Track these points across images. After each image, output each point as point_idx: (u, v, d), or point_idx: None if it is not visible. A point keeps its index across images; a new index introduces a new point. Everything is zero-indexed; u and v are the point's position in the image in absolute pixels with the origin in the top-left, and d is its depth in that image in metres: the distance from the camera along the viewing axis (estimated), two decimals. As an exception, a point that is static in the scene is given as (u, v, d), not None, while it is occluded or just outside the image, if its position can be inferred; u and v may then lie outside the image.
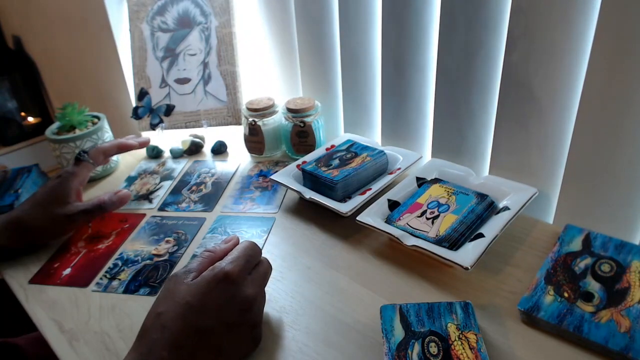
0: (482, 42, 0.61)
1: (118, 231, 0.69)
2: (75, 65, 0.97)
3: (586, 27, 0.51)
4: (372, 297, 0.52)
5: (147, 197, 0.77)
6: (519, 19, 0.56)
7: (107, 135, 0.84)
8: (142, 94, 0.92)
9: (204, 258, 0.46)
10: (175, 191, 0.77)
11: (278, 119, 0.83)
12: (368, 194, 0.65)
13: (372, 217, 0.61)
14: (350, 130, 0.85)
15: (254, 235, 0.64)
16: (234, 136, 0.90)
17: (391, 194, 0.65)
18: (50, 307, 0.56)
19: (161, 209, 0.73)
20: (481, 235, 0.55)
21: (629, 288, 0.47)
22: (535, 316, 0.46)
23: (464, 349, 0.42)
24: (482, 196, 0.61)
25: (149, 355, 0.40)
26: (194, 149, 0.89)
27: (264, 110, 0.81)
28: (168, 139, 0.91)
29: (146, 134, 0.94)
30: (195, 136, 0.91)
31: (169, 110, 0.90)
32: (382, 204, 0.64)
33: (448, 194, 0.63)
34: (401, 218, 0.60)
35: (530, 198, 0.60)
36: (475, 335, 0.44)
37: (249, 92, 0.92)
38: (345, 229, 0.64)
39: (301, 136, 0.80)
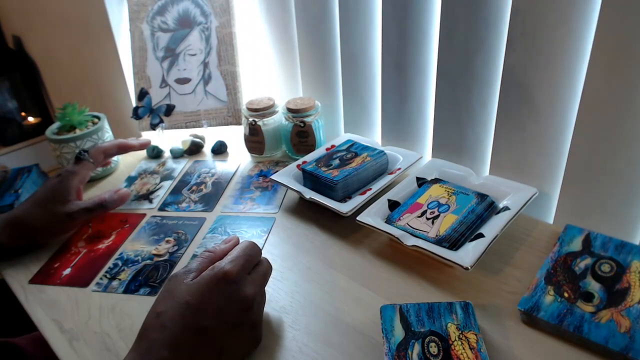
0: (482, 42, 0.61)
1: (118, 231, 0.69)
2: (76, 65, 0.97)
3: (586, 27, 0.52)
4: (372, 297, 0.52)
5: (147, 197, 0.77)
6: (519, 19, 0.56)
7: (107, 136, 0.84)
8: (142, 94, 0.92)
9: (204, 258, 0.46)
10: (176, 191, 0.77)
11: (278, 119, 0.83)
12: (368, 194, 0.65)
13: (372, 217, 0.61)
14: (351, 130, 0.85)
15: (254, 235, 0.64)
16: (234, 136, 0.90)
17: (391, 194, 0.65)
18: (50, 307, 0.56)
19: (161, 209, 0.73)
20: (481, 235, 0.55)
21: (629, 288, 0.47)
22: (536, 316, 0.46)
23: (464, 349, 0.42)
24: (482, 196, 0.61)
25: (149, 354, 0.40)
26: (194, 149, 0.89)
27: (264, 110, 0.81)
28: (168, 139, 0.91)
29: (146, 134, 0.94)
30: (196, 136, 0.91)
31: (169, 110, 0.90)
32: (382, 204, 0.64)
33: (448, 194, 0.63)
34: (401, 218, 0.60)
35: (531, 198, 0.60)
36: (475, 335, 0.44)
37: (249, 92, 0.92)
38: (345, 229, 0.64)
39: (301, 136, 0.80)
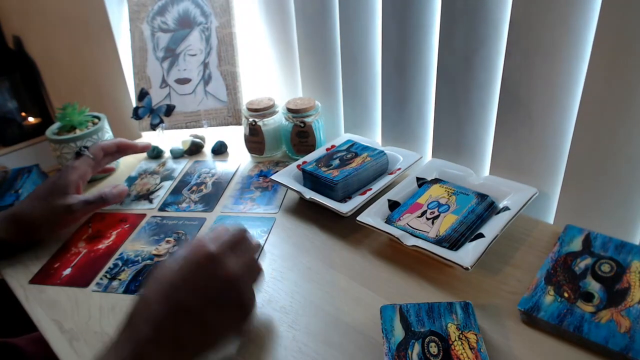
0: (483, 42, 0.61)
1: (118, 231, 0.69)
2: (76, 65, 0.97)
3: (586, 26, 0.52)
4: (372, 297, 0.52)
5: (147, 197, 0.77)
6: (519, 19, 0.56)
7: (108, 136, 0.84)
8: (142, 94, 0.92)
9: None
10: (176, 191, 0.77)
11: (278, 119, 0.83)
12: (368, 194, 0.65)
13: (372, 217, 0.61)
14: (351, 130, 0.85)
15: (254, 235, 0.64)
16: (234, 136, 0.90)
17: (391, 194, 0.65)
18: (50, 307, 0.56)
19: (161, 209, 0.73)
20: (481, 236, 0.55)
21: (629, 288, 0.47)
22: (536, 316, 0.46)
23: (464, 349, 0.42)
24: (482, 196, 0.61)
25: (133, 333, 0.40)
26: (194, 149, 0.89)
27: (264, 111, 0.81)
28: (168, 139, 0.91)
29: (146, 134, 0.94)
30: (196, 136, 0.91)
31: (169, 110, 0.91)
32: (382, 204, 0.64)
33: (448, 194, 0.63)
34: (401, 218, 0.60)
35: (531, 198, 0.60)
36: (475, 335, 0.44)
37: (249, 93, 0.92)
38: (345, 229, 0.64)
39: (301, 136, 0.80)
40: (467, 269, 0.50)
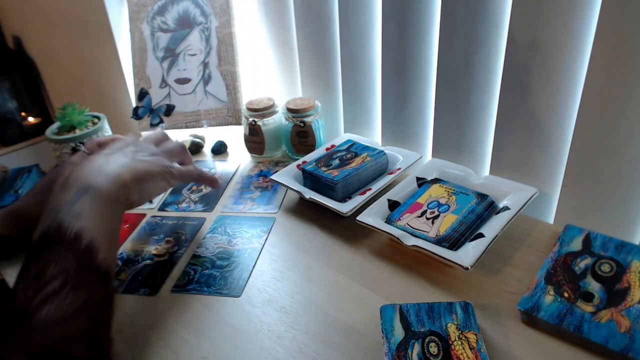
0: (483, 41, 0.61)
1: (118, 231, 0.69)
2: (76, 65, 0.97)
3: (587, 26, 0.52)
4: (372, 297, 0.52)
5: (147, 197, 0.77)
6: (519, 18, 0.56)
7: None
8: (142, 94, 0.92)
9: None
10: (175, 191, 0.77)
11: (278, 119, 0.83)
12: (368, 194, 0.65)
13: (372, 217, 0.61)
14: (350, 130, 0.85)
15: (254, 235, 0.64)
16: (234, 136, 0.90)
17: (391, 194, 0.65)
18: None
19: (161, 209, 0.73)
20: (481, 235, 0.55)
21: (629, 288, 0.47)
22: (536, 316, 0.46)
23: (464, 349, 0.42)
24: (482, 196, 0.61)
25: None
26: (194, 149, 0.89)
27: (264, 111, 0.81)
28: (168, 139, 0.91)
29: (146, 135, 0.94)
30: (196, 136, 0.91)
31: (169, 110, 0.91)
32: (382, 204, 0.64)
33: (448, 194, 0.63)
34: (401, 218, 0.60)
35: (531, 198, 0.60)
36: (475, 335, 0.44)
37: (249, 92, 0.92)
38: (345, 229, 0.64)
39: (301, 136, 0.80)
40: (467, 268, 0.50)
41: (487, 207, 0.60)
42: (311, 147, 0.80)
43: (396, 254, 0.58)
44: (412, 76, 0.71)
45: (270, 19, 0.88)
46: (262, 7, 0.88)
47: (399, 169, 0.70)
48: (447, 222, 0.58)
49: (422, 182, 0.68)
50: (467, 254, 0.52)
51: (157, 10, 0.91)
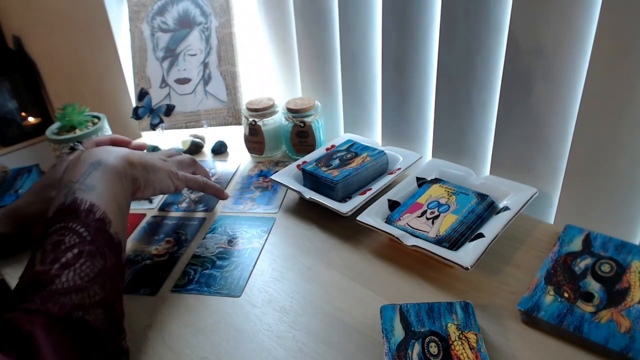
0: (483, 41, 0.61)
1: (118, 231, 0.69)
2: (76, 65, 0.97)
3: (587, 26, 0.52)
4: (372, 297, 0.52)
5: (147, 197, 0.77)
6: (519, 18, 0.56)
7: (107, 136, 0.84)
8: (142, 94, 0.92)
9: None
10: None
11: (278, 119, 0.83)
12: (368, 194, 0.65)
13: (372, 217, 0.61)
14: (350, 130, 0.85)
15: (254, 235, 0.64)
16: (234, 136, 0.90)
17: (391, 194, 0.65)
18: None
19: (161, 209, 0.73)
20: (481, 235, 0.55)
21: (629, 288, 0.47)
22: (536, 316, 0.46)
23: (464, 349, 0.42)
24: (482, 196, 0.61)
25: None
26: (194, 149, 0.89)
27: (264, 111, 0.81)
28: (168, 139, 0.91)
29: (146, 134, 0.94)
30: (196, 136, 0.91)
31: (169, 110, 0.91)
32: (382, 204, 0.64)
33: (448, 194, 0.63)
34: (401, 218, 0.60)
35: (531, 198, 0.60)
36: (475, 335, 0.44)
37: (249, 92, 0.92)
38: (345, 229, 0.64)
39: (301, 136, 0.80)
40: (467, 269, 0.50)
41: (487, 207, 0.60)
42: (311, 147, 0.80)
43: (396, 254, 0.58)
44: (412, 76, 0.71)
45: (270, 19, 0.88)
46: (262, 7, 0.88)
47: (399, 169, 0.70)
48: (447, 222, 0.58)
49: (422, 182, 0.68)
50: (467, 254, 0.52)
51: (157, 10, 0.91)
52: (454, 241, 0.55)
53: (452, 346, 0.43)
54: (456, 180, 0.67)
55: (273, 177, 0.72)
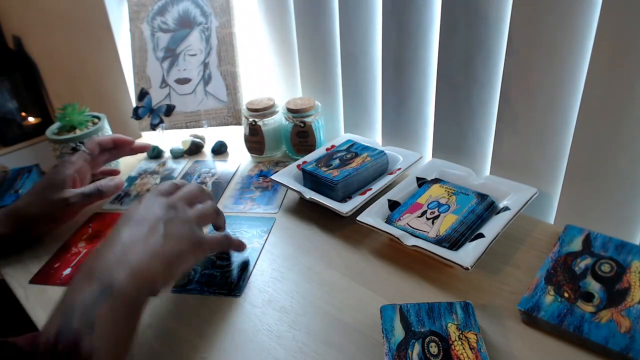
0: (483, 42, 0.61)
1: (118, 231, 0.69)
2: (76, 65, 0.97)
3: (587, 27, 0.52)
4: (372, 297, 0.52)
5: (147, 197, 0.76)
6: (519, 19, 0.56)
7: (107, 135, 0.84)
8: (142, 94, 0.92)
9: None
10: (176, 191, 0.77)
11: (278, 119, 0.83)
12: (368, 194, 0.65)
13: (372, 217, 0.61)
14: (351, 130, 0.85)
15: (254, 235, 0.64)
16: (234, 136, 0.90)
17: (391, 194, 0.65)
18: (50, 307, 0.56)
19: (161, 209, 0.73)
20: (481, 236, 0.55)
21: (629, 288, 0.47)
22: (536, 316, 0.46)
23: (464, 349, 0.42)
24: (482, 196, 0.61)
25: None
26: (194, 149, 0.89)
27: (264, 111, 0.81)
28: (168, 139, 0.91)
29: (146, 134, 0.94)
30: (196, 136, 0.91)
31: (169, 110, 0.90)
32: (382, 204, 0.64)
33: (448, 194, 0.63)
34: (401, 218, 0.60)
35: (531, 198, 0.60)
36: (476, 335, 0.44)
37: (249, 92, 0.92)
38: (345, 229, 0.64)
39: (301, 136, 0.80)
40: (467, 269, 0.50)
41: (487, 207, 0.60)
42: (311, 147, 0.80)
43: (396, 254, 0.58)
44: (413, 76, 0.71)
45: (270, 19, 0.88)
46: (262, 7, 0.88)
47: (399, 169, 0.70)
48: (447, 222, 0.58)
49: (422, 182, 0.68)
50: (467, 254, 0.52)
51: (157, 10, 0.91)
52: (454, 241, 0.55)
53: (452, 346, 0.43)
54: (456, 180, 0.67)
55: (273, 177, 0.72)
